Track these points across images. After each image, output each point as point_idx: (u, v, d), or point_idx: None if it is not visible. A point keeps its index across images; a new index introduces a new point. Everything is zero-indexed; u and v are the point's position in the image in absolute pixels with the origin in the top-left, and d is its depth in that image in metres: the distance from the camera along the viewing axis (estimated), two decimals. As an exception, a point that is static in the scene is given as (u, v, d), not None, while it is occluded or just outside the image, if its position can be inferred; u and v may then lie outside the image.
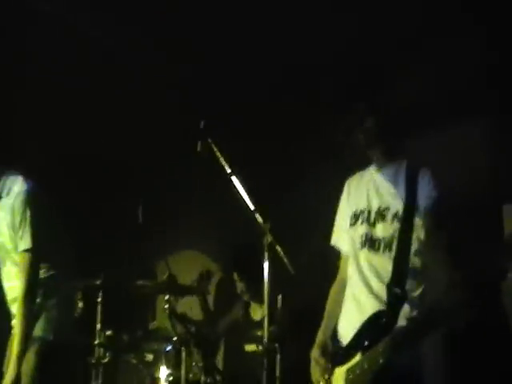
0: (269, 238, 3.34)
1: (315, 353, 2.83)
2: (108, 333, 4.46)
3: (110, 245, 5.93)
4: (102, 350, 4.38)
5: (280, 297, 3.99)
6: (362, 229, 2.71)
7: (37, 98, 4.92)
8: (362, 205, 2.76)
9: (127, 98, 5.11)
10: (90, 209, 5.75)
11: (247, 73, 4.81)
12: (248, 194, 3.46)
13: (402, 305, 2.50)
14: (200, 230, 6.17)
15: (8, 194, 3.45)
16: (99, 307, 4.56)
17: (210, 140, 3.54)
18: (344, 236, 2.88)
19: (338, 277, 2.97)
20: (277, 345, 3.77)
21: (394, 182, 2.69)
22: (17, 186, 3.45)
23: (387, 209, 2.65)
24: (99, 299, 4.57)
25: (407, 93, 2.80)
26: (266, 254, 3.33)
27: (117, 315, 4.69)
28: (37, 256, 3.42)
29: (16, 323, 3.37)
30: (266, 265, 3.34)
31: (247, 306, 4.84)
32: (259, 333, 3.89)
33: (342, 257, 2.94)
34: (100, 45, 4.59)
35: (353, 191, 2.87)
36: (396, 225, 2.60)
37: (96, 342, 4.36)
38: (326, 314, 2.95)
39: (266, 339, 3.32)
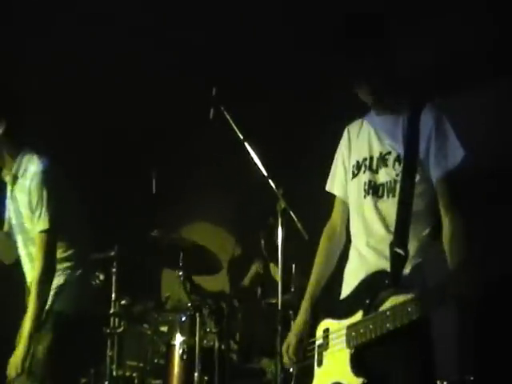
0: (282, 204, 3.34)
1: (292, 340, 2.73)
2: (123, 302, 4.49)
3: (123, 216, 5.95)
4: (117, 319, 4.43)
5: (294, 265, 4.00)
6: (365, 177, 2.62)
7: (48, 69, 4.91)
8: (363, 153, 2.65)
9: (139, 68, 5.09)
10: (103, 180, 5.76)
11: (260, 39, 4.77)
12: (261, 160, 3.44)
13: (404, 266, 2.44)
14: (213, 201, 6.17)
15: (24, 174, 3.42)
16: (114, 278, 4.60)
17: (222, 107, 3.51)
18: (340, 183, 2.79)
19: (330, 221, 2.88)
20: (291, 312, 3.77)
21: (396, 123, 2.57)
22: (32, 165, 3.41)
23: (389, 153, 2.56)
24: (114, 270, 4.62)
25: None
26: (280, 220, 3.33)
27: (131, 286, 4.73)
28: (54, 236, 3.41)
29: (30, 302, 3.38)
30: (279, 230, 3.34)
31: (267, 263, 4.83)
32: (273, 300, 3.89)
33: (336, 200, 2.85)
34: (113, 15, 4.56)
35: (353, 139, 2.74)
36: (398, 168, 2.51)
37: (111, 312, 4.42)
38: (312, 276, 2.84)
39: (280, 306, 3.33)
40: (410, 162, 2.49)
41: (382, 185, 2.55)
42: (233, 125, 3.48)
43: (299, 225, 3.35)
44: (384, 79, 2.55)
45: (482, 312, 4.47)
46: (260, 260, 4.95)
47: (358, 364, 2.44)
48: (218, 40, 4.84)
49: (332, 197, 2.87)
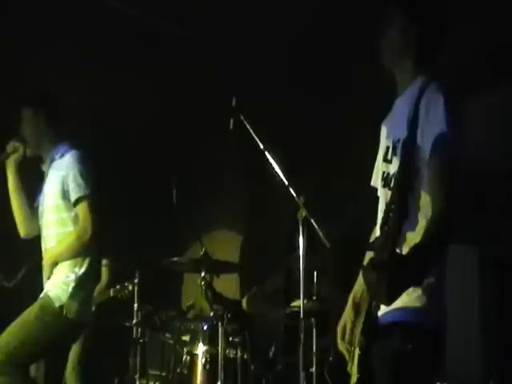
0: (303, 212, 3.34)
1: (347, 319, 2.55)
2: (144, 312, 4.52)
3: (145, 227, 5.98)
4: (139, 328, 4.46)
5: (316, 272, 3.99)
6: (382, 168, 2.49)
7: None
8: (386, 144, 2.50)
9: (160, 78, 5.12)
10: (125, 192, 5.78)
11: (278, 47, 4.77)
12: (282, 169, 3.45)
13: None
14: (234, 210, 6.18)
15: (61, 156, 3.64)
16: (136, 288, 4.64)
17: (242, 117, 3.52)
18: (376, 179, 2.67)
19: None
20: (313, 319, 3.76)
21: (407, 106, 2.39)
22: (70, 151, 3.63)
23: (399, 141, 2.39)
24: (136, 280, 4.65)
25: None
26: (301, 228, 3.33)
27: (152, 296, 4.76)
28: (94, 203, 3.53)
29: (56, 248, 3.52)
30: (300, 239, 3.34)
31: (289, 275, 4.82)
32: (295, 308, 3.88)
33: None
34: (134, 20, 4.58)
35: (384, 132, 2.59)
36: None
37: (134, 322, 4.44)
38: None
39: (301, 313, 3.33)
40: (406, 148, 2.33)
41: (393, 175, 2.41)
42: (253, 134, 3.49)
43: (320, 233, 3.34)
44: (414, 35, 2.43)
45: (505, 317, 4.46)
46: (281, 273, 4.94)
47: (360, 359, 2.33)
48: (239, 49, 4.86)
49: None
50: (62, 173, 3.56)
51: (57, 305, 3.46)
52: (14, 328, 3.44)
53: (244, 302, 4.89)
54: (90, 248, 3.55)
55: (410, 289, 2.25)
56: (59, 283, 3.51)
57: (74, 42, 4.74)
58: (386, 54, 2.50)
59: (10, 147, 3.73)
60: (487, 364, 4.70)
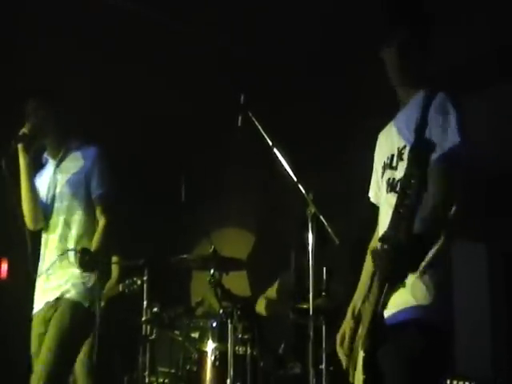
0: (312, 209, 3.33)
1: (346, 327, 2.58)
2: (154, 310, 4.53)
3: (154, 225, 5.99)
4: (148, 326, 4.46)
5: (325, 269, 3.98)
6: (386, 175, 2.56)
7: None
8: (388, 152, 2.58)
9: (167, 75, 5.12)
10: (133, 190, 5.79)
11: (288, 45, 4.78)
12: (290, 165, 3.44)
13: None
14: (243, 207, 6.18)
15: (78, 148, 3.73)
16: (145, 285, 4.65)
17: (250, 114, 3.52)
18: (374, 191, 2.75)
19: (376, 233, 2.75)
20: (322, 317, 3.75)
21: (412, 115, 2.47)
22: (89, 145, 3.73)
23: (405, 147, 2.48)
24: (145, 278, 4.66)
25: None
26: (310, 225, 3.32)
27: (161, 293, 4.76)
28: (114, 199, 3.65)
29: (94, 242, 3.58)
30: (310, 236, 3.33)
31: (299, 274, 4.81)
32: (305, 306, 3.87)
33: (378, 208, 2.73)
34: (141, 16, 4.59)
35: (383, 142, 2.69)
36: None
37: (143, 319, 4.45)
38: (361, 279, 2.73)
39: (311, 312, 3.32)
40: (415, 153, 2.32)
41: (400, 180, 2.44)
42: (262, 131, 3.49)
43: (329, 229, 3.33)
44: (415, 49, 2.53)
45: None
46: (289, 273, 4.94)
47: (365, 360, 2.32)
48: (247, 45, 4.86)
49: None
50: (85, 164, 3.64)
51: (86, 305, 3.54)
52: (52, 344, 3.45)
53: (262, 307, 4.89)
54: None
55: (419, 288, 2.33)
56: (78, 282, 3.55)
57: (79, 40, 4.75)
58: (389, 71, 2.56)
59: (24, 130, 3.54)
60: (496, 360, 4.70)
